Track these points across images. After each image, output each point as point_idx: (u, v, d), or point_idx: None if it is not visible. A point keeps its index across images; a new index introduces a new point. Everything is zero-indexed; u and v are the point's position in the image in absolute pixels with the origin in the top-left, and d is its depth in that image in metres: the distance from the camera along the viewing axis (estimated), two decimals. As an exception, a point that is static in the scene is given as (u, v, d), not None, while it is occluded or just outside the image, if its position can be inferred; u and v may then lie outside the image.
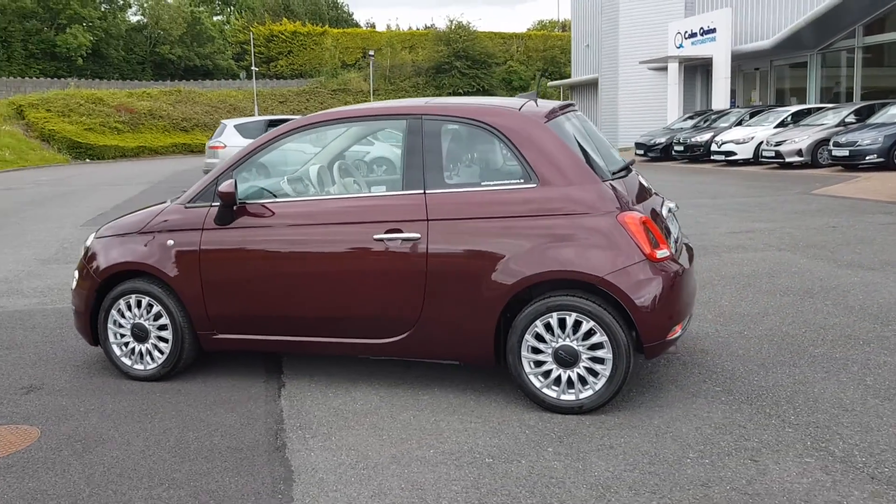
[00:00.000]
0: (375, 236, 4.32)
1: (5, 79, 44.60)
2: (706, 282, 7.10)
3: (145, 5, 64.43)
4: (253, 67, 46.61)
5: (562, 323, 4.11)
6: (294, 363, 5.08)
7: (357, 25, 71.48)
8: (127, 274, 4.82)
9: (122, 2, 64.59)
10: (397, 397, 4.47)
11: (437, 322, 4.30)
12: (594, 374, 4.11)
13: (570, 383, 4.15)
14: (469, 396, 4.44)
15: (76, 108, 36.08)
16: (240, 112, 42.83)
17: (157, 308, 4.74)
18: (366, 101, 47.15)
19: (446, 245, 4.24)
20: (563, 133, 4.35)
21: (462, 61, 54.59)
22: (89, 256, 4.94)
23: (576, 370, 4.13)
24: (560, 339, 4.13)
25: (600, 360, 4.09)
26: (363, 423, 4.12)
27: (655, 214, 4.40)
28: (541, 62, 59.72)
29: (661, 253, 4.14)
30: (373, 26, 74.92)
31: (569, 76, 43.20)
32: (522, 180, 4.24)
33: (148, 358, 4.81)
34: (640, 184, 4.66)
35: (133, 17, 66.68)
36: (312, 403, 4.41)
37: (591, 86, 38.58)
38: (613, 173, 4.41)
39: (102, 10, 61.46)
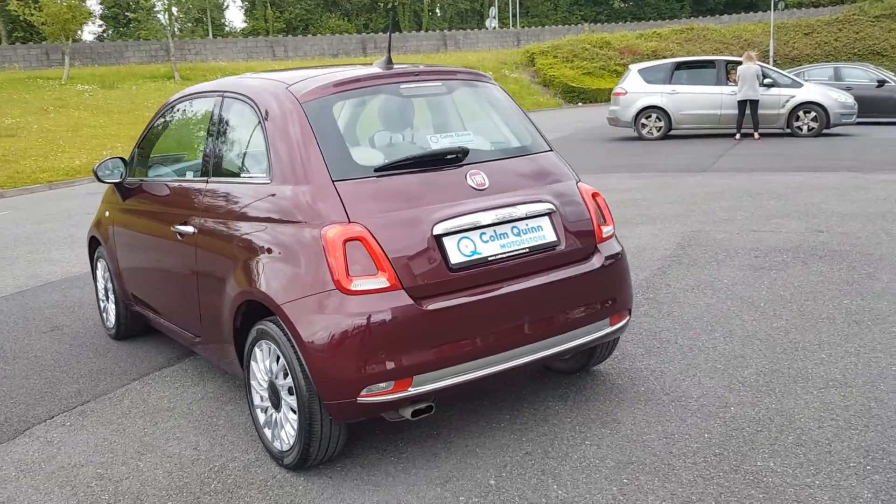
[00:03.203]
0: (172, 227, 4.01)
1: (527, 29, 48.89)
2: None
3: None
4: (774, -3, 42.46)
5: (270, 354, 3.32)
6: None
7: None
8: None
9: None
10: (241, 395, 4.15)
11: (208, 330, 3.85)
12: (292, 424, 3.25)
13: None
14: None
15: (580, 53, 37.59)
16: (753, 48, 39.84)
17: (108, 273, 5.14)
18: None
19: (205, 246, 3.73)
20: (322, 117, 3.32)
21: None
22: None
23: (280, 414, 3.32)
24: (270, 374, 3.35)
25: (294, 409, 3.21)
26: (157, 418, 3.95)
27: (428, 225, 3.13)
28: None
29: (363, 283, 2.98)
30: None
31: None
32: (264, 174, 3.46)
33: (109, 317, 5.26)
34: (461, 181, 3.32)
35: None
36: (171, 385, 4.38)
37: None
38: (397, 165, 3.27)
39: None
